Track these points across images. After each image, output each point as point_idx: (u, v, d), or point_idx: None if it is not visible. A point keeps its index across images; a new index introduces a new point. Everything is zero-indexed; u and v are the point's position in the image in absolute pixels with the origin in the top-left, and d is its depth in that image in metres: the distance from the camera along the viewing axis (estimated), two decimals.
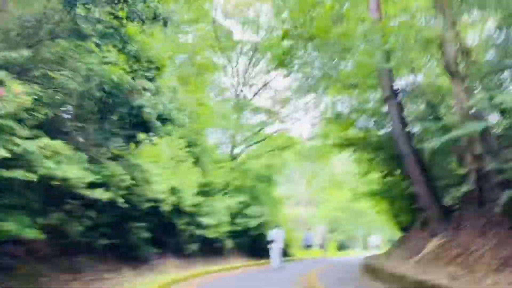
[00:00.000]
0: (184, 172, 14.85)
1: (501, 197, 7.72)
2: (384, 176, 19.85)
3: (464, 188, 9.32)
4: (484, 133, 8.47)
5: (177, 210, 14.22)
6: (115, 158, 9.66)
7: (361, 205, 32.62)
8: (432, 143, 8.43)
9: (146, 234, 11.74)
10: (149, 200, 11.38)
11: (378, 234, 31.30)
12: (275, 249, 16.42)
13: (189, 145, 17.65)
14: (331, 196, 41.80)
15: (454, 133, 8.29)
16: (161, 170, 12.34)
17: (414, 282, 7.83)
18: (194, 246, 15.35)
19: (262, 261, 19.09)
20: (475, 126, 7.76)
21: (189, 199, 14.48)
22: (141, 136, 9.44)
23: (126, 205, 9.71)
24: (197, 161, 17.96)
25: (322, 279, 10.59)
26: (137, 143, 9.69)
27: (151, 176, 11.12)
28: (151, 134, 9.43)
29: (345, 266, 16.41)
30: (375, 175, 21.07)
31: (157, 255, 13.01)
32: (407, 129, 11.22)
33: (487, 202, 8.91)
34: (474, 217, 9.08)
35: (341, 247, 43.88)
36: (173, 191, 13.43)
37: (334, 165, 36.74)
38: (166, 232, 14.14)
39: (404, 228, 17.98)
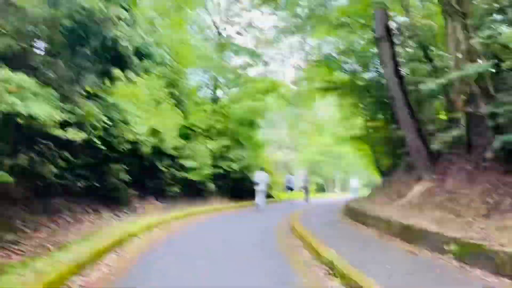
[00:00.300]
0: (164, 114, 14.29)
1: (493, 142, 7.51)
2: (367, 121, 19.76)
3: (454, 132, 9.10)
4: (480, 76, 8.10)
5: (158, 152, 13.86)
6: (89, 96, 9.00)
7: (341, 149, 32.93)
8: (427, 86, 8.01)
9: (125, 176, 11.40)
10: (128, 142, 10.91)
11: (357, 177, 31.90)
12: (259, 191, 16.57)
13: (169, 85, 16.94)
14: (312, 141, 42.06)
15: (452, 74, 7.86)
16: (140, 111, 11.75)
17: (400, 226, 7.73)
18: (176, 188, 15.20)
19: (244, 203, 19.18)
20: (475, 68, 7.33)
21: (170, 141, 14.09)
22: (116, 72, 8.70)
23: (103, 147, 9.27)
24: (177, 103, 17.33)
25: (306, 223, 10.53)
26: (112, 80, 8.97)
27: (130, 116, 10.55)
28: (127, 70, 8.68)
29: (327, 209, 16.57)
30: (358, 120, 20.96)
31: (137, 197, 12.79)
32: (398, 71, 10.77)
33: (477, 147, 8.75)
34: (462, 162, 8.94)
35: (321, 189, 44.94)
36: (154, 132, 12.97)
37: (316, 110, 36.53)
38: (147, 174, 13.83)
39: (385, 172, 18.14)
